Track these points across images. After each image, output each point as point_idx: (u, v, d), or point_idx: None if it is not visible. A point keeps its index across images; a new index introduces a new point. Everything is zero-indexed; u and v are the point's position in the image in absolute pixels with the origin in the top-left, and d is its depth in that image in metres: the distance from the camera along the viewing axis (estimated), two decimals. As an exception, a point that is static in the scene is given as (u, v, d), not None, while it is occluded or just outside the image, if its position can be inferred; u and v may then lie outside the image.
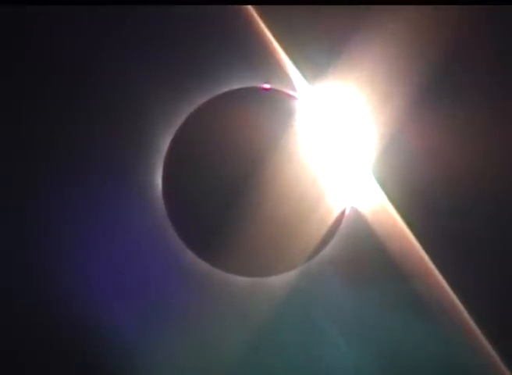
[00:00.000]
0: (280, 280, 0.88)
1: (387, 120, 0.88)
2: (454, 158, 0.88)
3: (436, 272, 0.89)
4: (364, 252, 0.89)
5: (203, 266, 0.88)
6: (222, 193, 0.86)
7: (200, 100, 0.88)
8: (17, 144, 0.87)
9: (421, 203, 0.89)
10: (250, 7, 0.86)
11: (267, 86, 0.89)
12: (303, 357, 0.88)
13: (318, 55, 0.87)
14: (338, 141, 0.89)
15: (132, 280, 0.87)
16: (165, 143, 0.89)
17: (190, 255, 0.88)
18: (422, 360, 0.88)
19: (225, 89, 0.88)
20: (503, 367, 0.89)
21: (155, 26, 0.88)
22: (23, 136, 0.87)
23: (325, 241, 0.88)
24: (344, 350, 0.88)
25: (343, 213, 0.89)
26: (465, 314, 0.89)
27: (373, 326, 0.88)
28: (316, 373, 0.88)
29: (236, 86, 0.89)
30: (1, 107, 0.86)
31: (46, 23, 0.85)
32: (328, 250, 0.88)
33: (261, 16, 0.86)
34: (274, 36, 0.87)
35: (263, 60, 0.88)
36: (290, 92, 0.89)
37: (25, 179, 0.87)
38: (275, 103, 0.89)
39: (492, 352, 0.89)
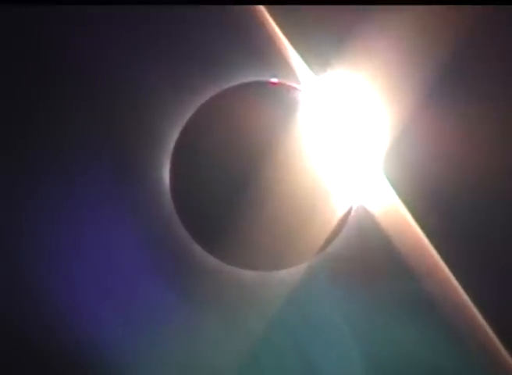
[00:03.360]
0: (286, 275, 0.88)
1: (396, 115, 0.86)
2: (465, 155, 0.86)
3: (445, 270, 0.87)
4: (371, 250, 0.88)
5: (210, 259, 0.88)
6: (230, 187, 0.86)
7: (207, 95, 0.88)
8: (26, 142, 0.89)
9: (430, 200, 0.87)
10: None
11: (274, 80, 0.87)
12: (308, 353, 0.89)
13: (326, 47, 0.85)
14: (346, 136, 0.88)
15: (138, 274, 0.89)
16: (173, 137, 0.88)
17: (196, 249, 0.88)
18: (430, 360, 0.88)
19: (233, 83, 0.87)
20: (514, 366, 0.88)
21: (166, 24, 0.88)
22: (31, 135, 0.89)
23: (331, 237, 0.88)
24: (350, 347, 0.88)
25: (349, 210, 0.88)
26: (475, 312, 0.87)
27: (379, 324, 0.88)
28: (321, 369, 0.89)
29: (243, 80, 0.87)
30: (6, 108, 0.88)
31: (49, 23, 0.86)
32: (335, 247, 0.88)
33: (267, 11, 0.85)
34: (281, 30, 0.86)
35: (270, 54, 0.87)
36: (298, 86, 0.88)
37: (32, 176, 0.89)
38: (283, 97, 0.87)
39: (504, 351, 0.88)
